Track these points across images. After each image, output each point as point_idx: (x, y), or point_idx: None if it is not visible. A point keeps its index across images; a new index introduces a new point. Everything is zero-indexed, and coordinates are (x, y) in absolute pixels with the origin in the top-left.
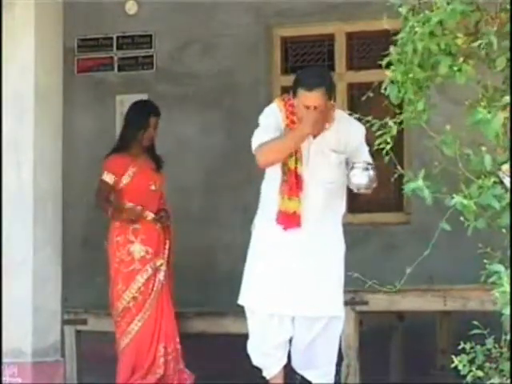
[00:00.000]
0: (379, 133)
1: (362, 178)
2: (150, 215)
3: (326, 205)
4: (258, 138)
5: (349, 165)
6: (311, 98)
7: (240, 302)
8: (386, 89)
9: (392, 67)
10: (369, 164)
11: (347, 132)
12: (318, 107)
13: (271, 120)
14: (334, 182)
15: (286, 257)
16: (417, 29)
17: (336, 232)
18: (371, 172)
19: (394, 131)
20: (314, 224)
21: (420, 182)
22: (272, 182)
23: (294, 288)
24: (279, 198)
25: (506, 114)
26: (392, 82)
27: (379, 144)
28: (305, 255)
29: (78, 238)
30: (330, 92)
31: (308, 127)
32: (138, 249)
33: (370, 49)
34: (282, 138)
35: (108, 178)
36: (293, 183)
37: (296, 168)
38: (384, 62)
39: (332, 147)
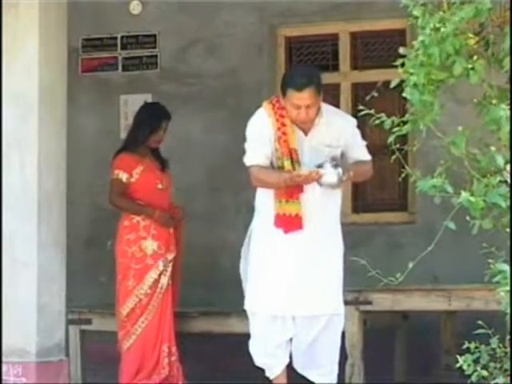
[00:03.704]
0: (395, 129)
1: (332, 177)
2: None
3: (326, 202)
4: (251, 157)
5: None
6: (301, 97)
7: (246, 307)
8: (395, 88)
9: (411, 70)
10: (334, 160)
11: (337, 124)
12: (309, 106)
13: (259, 132)
14: None
15: (288, 259)
16: (443, 29)
17: (337, 230)
18: (340, 170)
19: (408, 129)
20: (317, 224)
21: (440, 180)
22: None
23: (297, 289)
24: (275, 201)
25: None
26: (402, 83)
27: (390, 143)
28: (307, 256)
29: (82, 238)
30: (320, 90)
31: (303, 180)
32: (150, 244)
33: (374, 48)
34: (277, 174)
35: (121, 175)
36: (292, 186)
37: (293, 170)
38: (399, 63)
39: (326, 143)
